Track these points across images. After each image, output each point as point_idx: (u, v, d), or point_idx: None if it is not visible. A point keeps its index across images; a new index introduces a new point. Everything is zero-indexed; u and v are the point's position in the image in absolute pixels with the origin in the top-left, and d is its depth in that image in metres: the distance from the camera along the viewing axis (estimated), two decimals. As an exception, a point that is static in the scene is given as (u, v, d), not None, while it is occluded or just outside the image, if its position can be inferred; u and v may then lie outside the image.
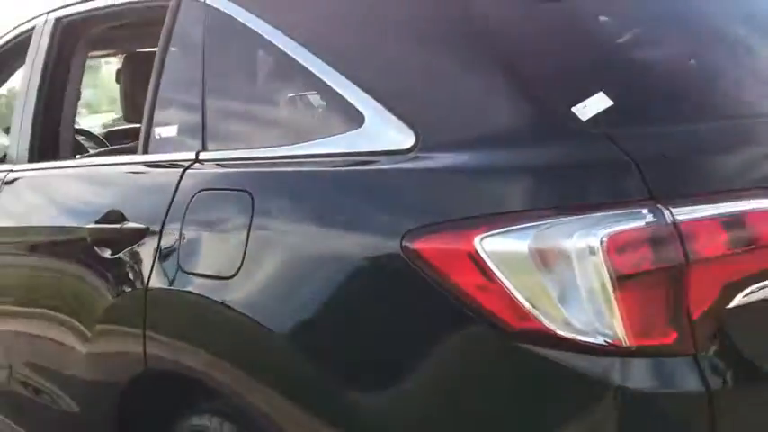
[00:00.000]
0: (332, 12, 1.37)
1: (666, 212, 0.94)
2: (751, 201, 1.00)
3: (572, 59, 1.14)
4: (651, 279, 0.95)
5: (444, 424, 1.06)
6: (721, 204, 0.98)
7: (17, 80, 2.39)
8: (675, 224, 0.94)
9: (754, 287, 0.98)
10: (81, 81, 2.23)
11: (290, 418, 1.24)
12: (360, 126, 1.21)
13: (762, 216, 0.99)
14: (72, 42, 2.13)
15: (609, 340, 0.94)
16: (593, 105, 1.03)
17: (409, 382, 1.08)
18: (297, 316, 1.24)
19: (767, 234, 0.99)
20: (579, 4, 1.22)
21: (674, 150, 1.03)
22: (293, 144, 1.34)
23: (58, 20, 2.11)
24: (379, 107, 1.18)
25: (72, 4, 2.10)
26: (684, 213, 0.95)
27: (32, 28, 2.21)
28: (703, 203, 0.97)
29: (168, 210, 1.47)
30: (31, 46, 2.18)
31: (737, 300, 0.97)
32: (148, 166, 1.67)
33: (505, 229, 0.98)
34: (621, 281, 0.93)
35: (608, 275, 0.93)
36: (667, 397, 0.96)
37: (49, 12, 2.16)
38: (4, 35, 2.40)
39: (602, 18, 1.23)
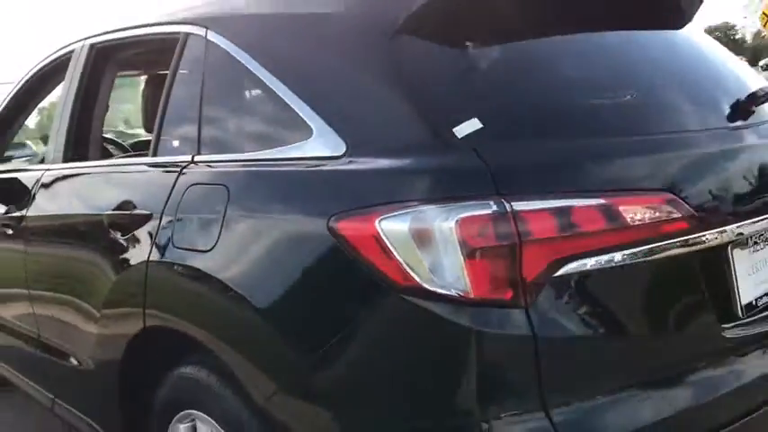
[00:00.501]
0: (297, 52, 1.77)
1: (507, 204, 1.31)
2: (575, 199, 1.36)
3: (460, 93, 1.51)
4: (492, 252, 1.31)
5: (360, 348, 1.43)
6: (551, 201, 1.35)
7: (56, 94, 2.83)
8: (513, 213, 1.31)
9: (574, 263, 1.34)
10: (109, 96, 2.67)
11: (251, 370, 1.61)
12: (309, 137, 1.60)
13: (582, 211, 1.36)
14: (103, 64, 2.57)
15: (461, 293, 1.31)
16: (468, 127, 1.41)
17: (334, 323, 1.46)
18: (256, 281, 1.62)
19: (585, 224, 1.35)
20: (473, 52, 1.59)
21: (521, 161, 1.40)
22: (261, 150, 1.73)
23: (92, 45, 2.56)
24: (324, 124, 1.57)
25: (104, 33, 2.55)
26: (521, 205, 1.32)
27: (71, 51, 2.66)
28: (537, 199, 1.34)
29: (167, 200, 1.88)
30: (69, 66, 2.63)
31: (561, 270, 1.33)
32: (155, 166, 2.08)
33: (394, 214, 1.35)
34: (470, 253, 1.30)
35: (460, 248, 1.30)
36: (502, 337, 1.32)
37: (85, 38, 2.61)
38: (48, 56, 2.86)
39: (487, 61, 1.60)
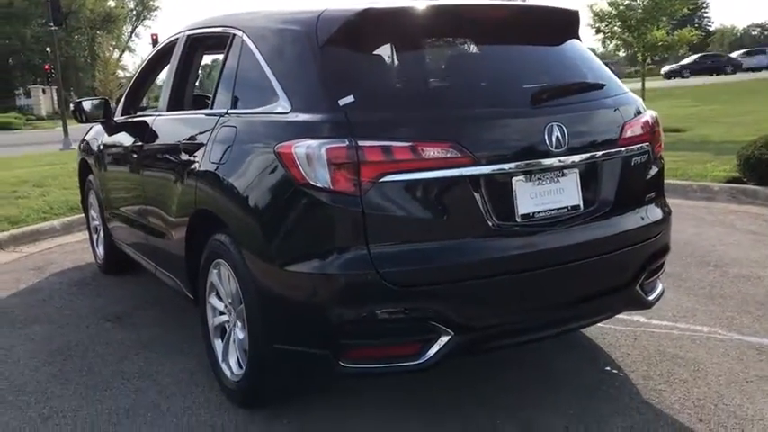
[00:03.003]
0: (276, 50, 2.98)
1: (354, 141, 2.47)
2: (392, 142, 2.50)
3: (348, 81, 2.66)
4: (344, 165, 2.47)
5: (279, 213, 2.65)
6: (379, 141, 2.49)
7: (166, 71, 4.24)
8: (357, 146, 2.47)
9: (390, 176, 2.48)
10: (198, 69, 4.04)
11: (241, 235, 2.88)
12: (276, 102, 2.83)
13: (396, 148, 2.48)
14: (193, 49, 3.93)
15: (329, 187, 2.49)
16: (346, 100, 2.57)
17: (271, 202, 2.70)
18: (242, 181, 2.86)
19: (397, 155, 2.49)
20: (360, 59, 2.74)
21: (368, 120, 2.53)
22: (256, 108, 2.99)
23: (188, 36, 3.93)
24: (284, 94, 2.79)
25: (195, 28, 3.90)
26: (363, 143, 2.47)
27: (177, 39, 4.05)
28: (372, 140, 2.49)
29: (210, 134, 3.19)
30: (174, 49, 4.02)
31: (382, 179, 2.47)
32: (209, 115, 3.38)
33: (298, 144, 2.55)
34: (332, 166, 2.48)
35: (326, 163, 2.48)
36: (347, 210, 2.47)
37: (185, 30, 3.99)
38: (163, 42, 4.28)
39: (366, 65, 2.75)
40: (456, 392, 3.21)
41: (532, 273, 2.70)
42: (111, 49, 67.67)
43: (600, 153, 2.88)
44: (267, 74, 2.94)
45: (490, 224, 2.62)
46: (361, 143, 2.48)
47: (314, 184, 2.52)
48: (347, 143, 2.48)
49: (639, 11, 15.22)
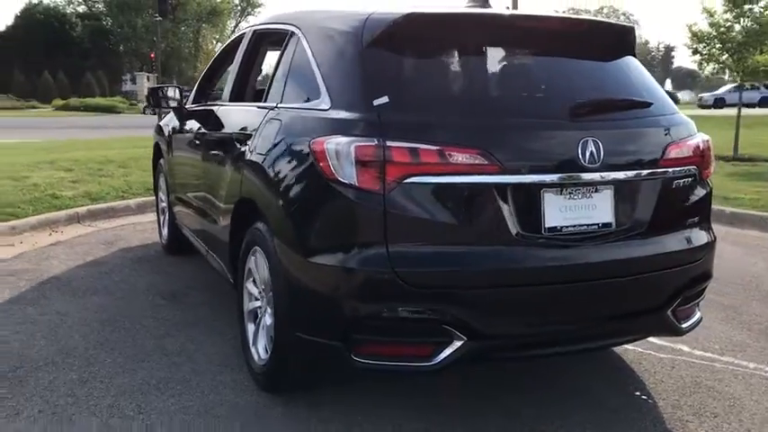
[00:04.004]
0: (323, 50, 3.07)
1: (382, 141, 2.53)
2: (420, 144, 2.53)
3: (385, 84, 2.70)
4: (370, 163, 2.53)
5: (309, 205, 2.74)
6: (407, 143, 2.53)
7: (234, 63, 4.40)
8: (384, 146, 2.53)
9: (414, 177, 2.52)
10: (261, 63, 4.19)
11: (280, 230, 2.96)
12: (319, 98, 2.91)
13: (423, 151, 2.52)
14: (258, 43, 4.08)
15: (354, 183, 2.56)
16: (381, 100, 2.63)
17: (302, 193, 2.78)
18: (280, 173, 2.97)
19: (424, 157, 2.52)
20: (399, 65, 2.77)
21: (399, 121, 2.58)
22: (301, 103, 3.08)
23: (254, 31, 4.08)
24: (326, 92, 2.88)
25: (260, 24, 4.05)
26: (390, 143, 2.53)
27: (244, 34, 4.21)
28: (400, 141, 2.53)
29: (259, 126, 3.31)
30: (241, 43, 4.18)
31: (406, 180, 2.52)
32: (261, 108, 3.51)
33: (330, 140, 2.63)
34: (359, 163, 2.54)
35: (354, 160, 2.55)
36: (371, 207, 2.52)
37: (252, 26, 4.14)
38: (234, 36, 4.45)
39: (406, 71, 2.78)
40: (477, 397, 3.21)
41: (554, 287, 2.68)
42: (213, 41, 70.13)
43: (638, 172, 2.82)
44: (315, 71, 3.03)
45: (513, 234, 2.62)
46: (389, 143, 2.53)
47: (341, 179, 2.59)
48: (375, 142, 2.54)
49: (742, 33, 14.59)
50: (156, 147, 5.86)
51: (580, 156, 2.68)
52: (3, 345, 3.78)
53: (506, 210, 2.61)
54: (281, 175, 2.95)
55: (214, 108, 4.31)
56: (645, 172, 2.83)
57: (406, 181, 2.53)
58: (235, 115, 3.90)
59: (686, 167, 2.95)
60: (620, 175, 2.77)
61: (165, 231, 5.85)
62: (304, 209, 2.79)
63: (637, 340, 3.27)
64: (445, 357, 2.59)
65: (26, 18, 64.59)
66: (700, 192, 3.03)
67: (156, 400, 3.14)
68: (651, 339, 3.95)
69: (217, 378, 3.38)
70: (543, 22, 2.98)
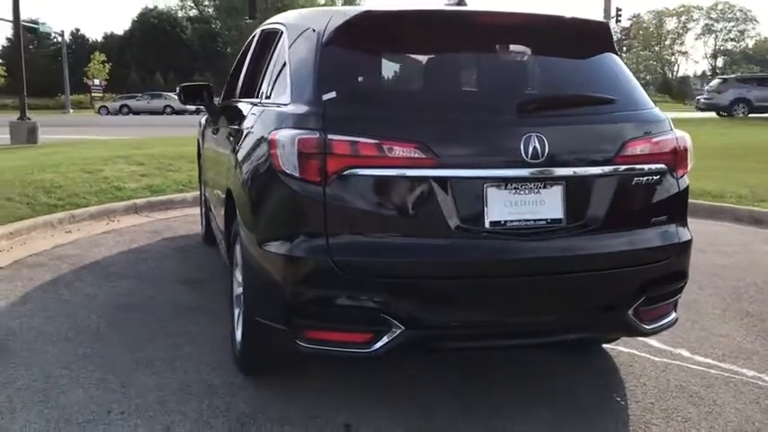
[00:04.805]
0: (293, 50, 3.19)
1: (323, 134, 2.62)
2: (359, 137, 2.62)
3: (335, 80, 2.79)
4: (312, 155, 2.63)
5: (261, 194, 2.88)
6: (347, 136, 2.62)
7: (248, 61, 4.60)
8: (326, 139, 2.62)
9: (353, 169, 2.60)
10: (262, 61, 4.35)
11: (243, 219, 3.12)
12: (285, 94, 3.05)
13: (362, 144, 2.60)
14: (261, 42, 4.26)
15: (297, 174, 2.67)
16: (329, 95, 2.73)
17: (256, 180, 2.92)
18: (246, 160, 3.13)
19: (362, 150, 2.60)
20: (348, 62, 2.87)
21: (341, 115, 2.66)
22: (273, 99, 3.23)
23: (261, 31, 4.26)
24: (291, 88, 3.01)
25: (265, 24, 4.23)
26: (332, 136, 2.62)
27: (255, 33, 4.40)
28: (340, 135, 2.62)
29: (244, 120, 3.48)
30: (252, 43, 4.38)
31: (345, 171, 2.61)
32: (248, 104, 3.67)
33: (279, 131, 2.76)
34: (302, 155, 2.65)
35: (297, 153, 2.66)
36: (311, 197, 2.62)
37: (260, 27, 4.33)
38: (251, 38, 4.66)
39: (355, 68, 2.87)
40: (434, 388, 3.25)
41: (495, 279, 2.69)
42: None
43: (590, 169, 2.79)
44: (287, 68, 3.17)
45: (452, 227, 2.65)
46: (330, 136, 2.63)
47: (286, 170, 2.70)
48: (317, 135, 2.64)
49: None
50: (198, 142, 6.18)
51: (522, 151, 2.68)
52: (27, 319, 4.13)
53: (445, 203, 2.65)
54: (245, 167, 3.11)
55: (226, 105, 4.53)
56: (598, 169, 2.80)
57: (345, 173, 2.62)
58: (234, 111, 4.09)
59: (651, 165, 2.88)
60: (569, 171, 2.75)
61: (204, 222, 6.16)
62: (259, 198, 2.93)
63: (594, 338, 3.21)
64: (384, 345, 2.66)
65: (142, 22, 68.25)
66: (669, 190, 2.96)
67: (141, 377, 3.36)
68: (651, 342, 3.87)
69: (203, 359, 3.57)
70: (501, 19, 2.99)
